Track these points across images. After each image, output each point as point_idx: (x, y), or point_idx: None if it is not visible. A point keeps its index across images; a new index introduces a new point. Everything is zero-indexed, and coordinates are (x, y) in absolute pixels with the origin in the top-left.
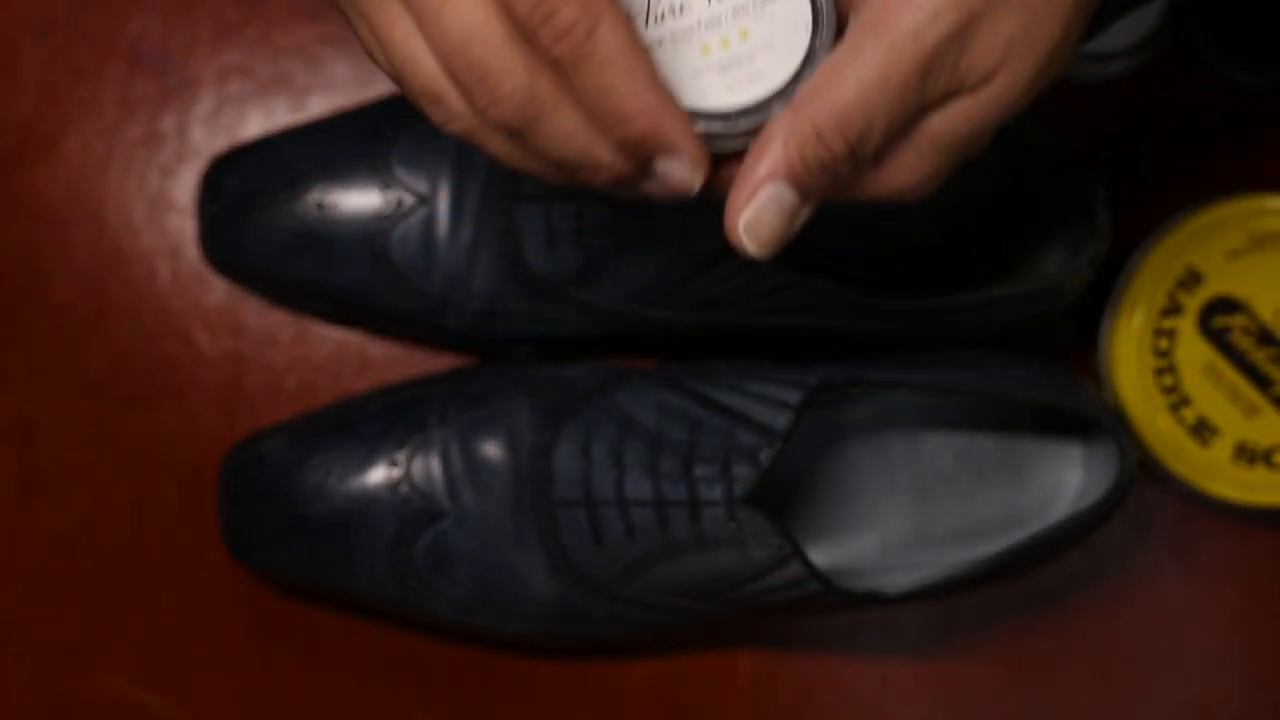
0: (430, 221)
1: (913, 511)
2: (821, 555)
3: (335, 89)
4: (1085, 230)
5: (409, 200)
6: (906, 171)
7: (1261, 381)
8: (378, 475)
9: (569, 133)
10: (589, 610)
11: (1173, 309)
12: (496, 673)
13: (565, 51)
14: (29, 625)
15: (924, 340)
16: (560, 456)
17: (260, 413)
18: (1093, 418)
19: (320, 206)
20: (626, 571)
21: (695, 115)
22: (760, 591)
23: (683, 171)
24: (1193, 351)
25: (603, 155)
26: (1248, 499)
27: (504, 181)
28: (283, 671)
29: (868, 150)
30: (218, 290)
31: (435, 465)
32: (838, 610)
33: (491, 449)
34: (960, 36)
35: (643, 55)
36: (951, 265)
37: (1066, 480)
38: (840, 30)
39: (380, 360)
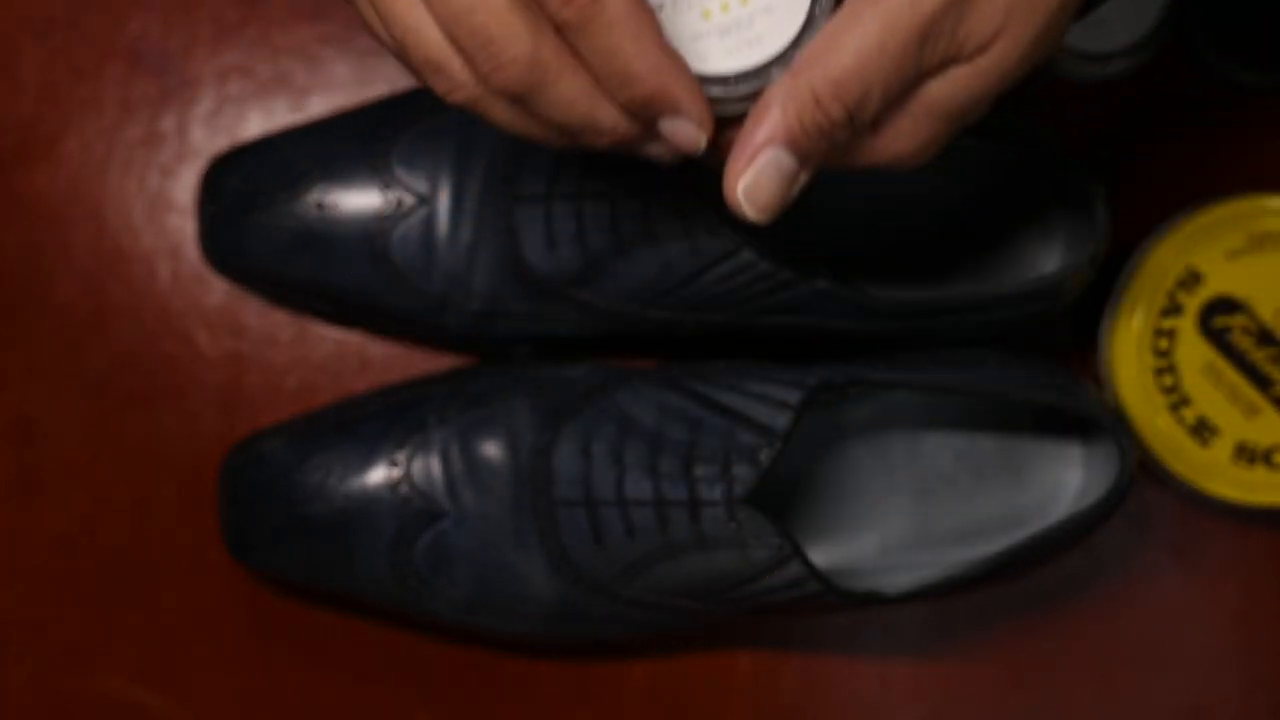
0: (430, 221)
1: (913, 512)
2: (821, 555)
3: (335, 89)
4: (1085, 230)
5: (409, 200)
6: (904, 138)
7: (1261, 381)
8: (378, 475)
9: (573, 97)
10: (589, 610)
11: (1173, 309)
12: (496, 673)
13: (572, 15)
14: (29, 625)
15: (924, 340)
16: (560, 456)
17: (260, 413)
18: (1093, 418)
19: (320, 206)
20: (626, 571)
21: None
22: (760, 591)
23: (690, 130)
24: (1193, 351)
25: (607, 119)
26: (1248, 499)
27: (504, 181)
28: (283, 671)
29: (865, 116)
30: (218, 290)
31: (435, 465)
32: (838, 610)
33: (491, 449)
34: (958, 4)
35: (648, 16)
36: (951, 265)
37: (1066, 480)
38: None
39: (380, 360)
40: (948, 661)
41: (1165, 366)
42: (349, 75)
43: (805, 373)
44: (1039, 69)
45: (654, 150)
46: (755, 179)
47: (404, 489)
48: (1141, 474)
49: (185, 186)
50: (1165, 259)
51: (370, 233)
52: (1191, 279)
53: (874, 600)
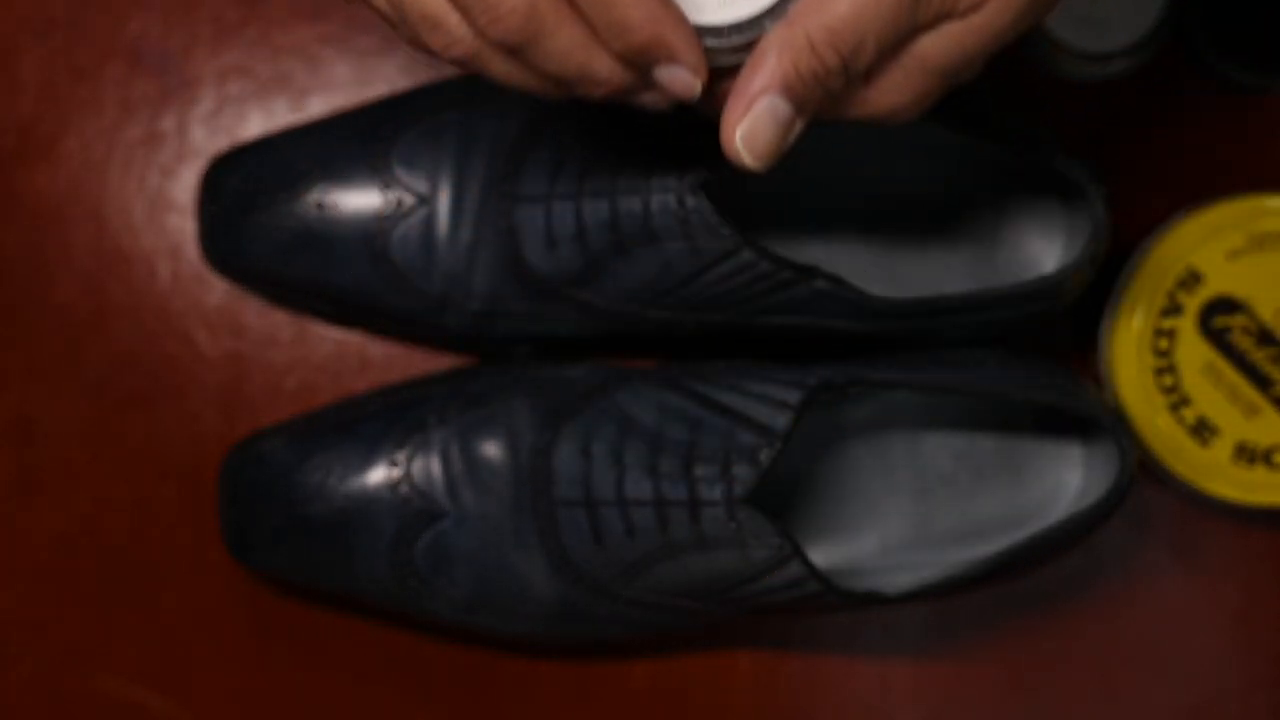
0: (430, 221)
1: (913, 512)
2: (821, 555)
3: (335, 89)
4: (1085, 230)
5: (409, 200)
6: (895, 92)
7: (1261, 381)
8: (378, 475)
9: (569, 48)
10: (589, 610)
11: (1173, 309)
12: (496, 673)
13: None
14: (29, 625)
15: (924, 340)
16: (560, 456)
17: (260, 413)
18: (1093, 418)
19: (320, 206)
20: (626, 571)
21: None
22: (760, 591)
23: (685, 77)
24: (1193, 351)
25: (603, 68)
26: (1248, 499)
27: (504, 181)
28: (283, 671)
29: (860, 65)
30: (218, 290)
31: (435, 465)
32: (838, 610)
33: (491, 449)
34: None
35: None
36: (951, 265)
37: (1066, 480)
38: None
39: (380, 360)
40: (948, 662)
41: (1165, 366)
42: (349, 75)
43: (805, 373)
44: (1042, 67)
45: (649, 99)
46: (752, 126)
47: (404, 489)
48: (1141, 474)
49: (185, 186)
50: (1165, 259)
51: (370, 233)
52: (1191, 279)
53: (874, 600)
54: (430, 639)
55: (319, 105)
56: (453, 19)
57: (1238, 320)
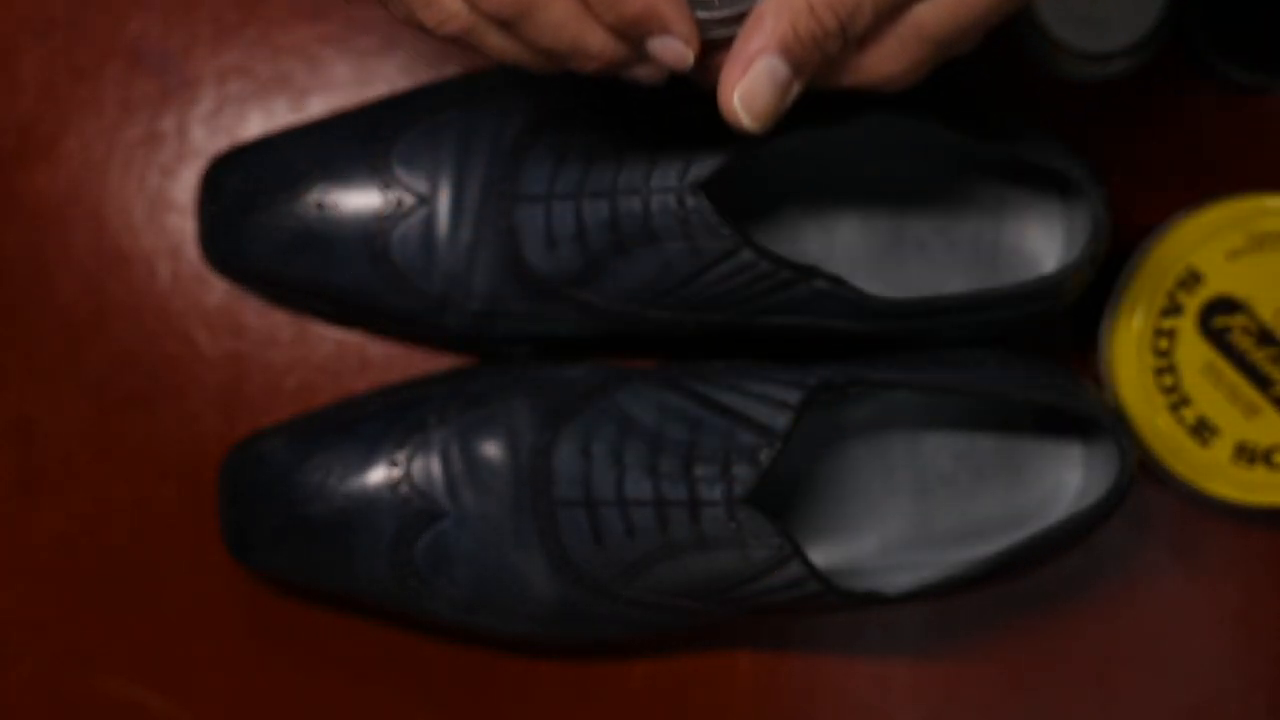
0: (430, 221)
1: (912, 512)
2: (821, 555)
3: (335, 89)
4: (1085, 230)
5: (409, 200)
6: (891, 59)
7: (1261, 381)
8: (378, 475)
9: (562, 21)
10: (589, 610)
11: (1173, 309)
12: (496, 673)
13: None
14: (29, 625)
15: (924, 340)
16: (560, 456)
17: (260, 413)
18: (1093, 418)
19: (320, 206)
20: (626, 572)
21: None
22: (760, 591)
23: (678, 48)
24: (1193, 351)
25: (596, 41)
26: (1248, 499)
27: (504, 181)
28: (283, 671)
29: (857, 29)
30: (218, 290)
31: (435, 465)
32: (837, 610)
33: (491, 449)
34: None
35: None
36: (951, 265)
37: (1066, 480)
38: None
39: (380, 360)
40: (947, 661)
41: (1165, 366)
42: (349, 75)
43: (805, 373)
44: (1042, 67)
45: (642, 72)
46: (750, 86)
47: (404, 489)
48: (1141, 474)
49: (185, 186)
50: (1165, 259)
51: (370, 233)
52: (1191, 279)
53: (874, 600)
54: (430, 639)
55: (319, 105)
56: None
57: (1238, 320)
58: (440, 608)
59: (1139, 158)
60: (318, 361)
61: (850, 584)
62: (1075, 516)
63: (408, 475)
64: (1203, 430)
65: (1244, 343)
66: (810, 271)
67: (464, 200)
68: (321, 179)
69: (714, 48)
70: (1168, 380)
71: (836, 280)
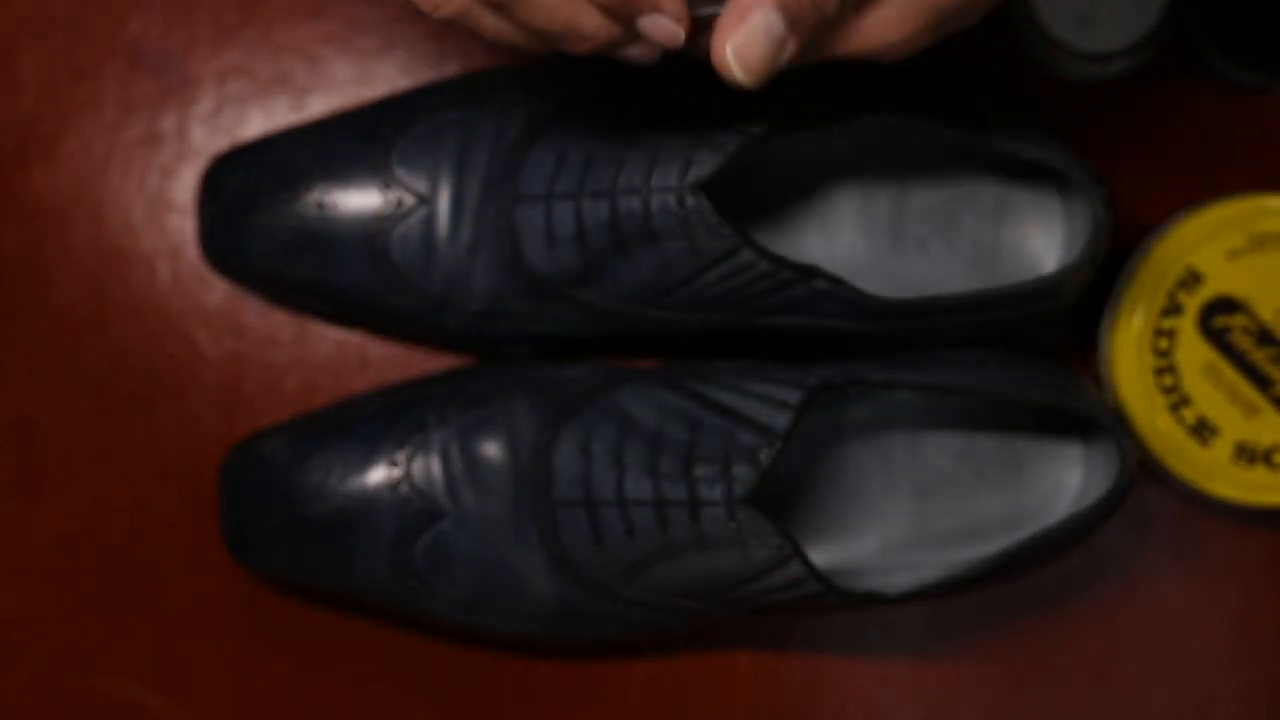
0: (430, 221)
1: (913, 512)
2: (821, 555)
3: (335, 88)
4: (1085, 230)
5: (409, 200)
6: (890, 26)
7: (1261, 381)
8: (378, 475)
9: (555, 3)
10: (589, 610)
11: (1173, 309)
12: (496, 673)
13: None
14: (29, 625)
15: (924, 340)
16: (560, 456)
17: (260, 413)
18: (1093, 418)
19: (320, 206)
20: (626, 572)
21: None
22: (760, 592)
23: (668, 25)
24: (1193, 351)
25: (588, 23)
26: (1248, 499)
27: (504, 181)
28: (283, 672)
29: None
30: (218, 290)
31: (435, 465)
32: (837, 610)
33: (491, 449)
34: None
35: None
36: (951, 265)
37: (1066, 480)
38: None
39: (380, 360)
40: (947, 662)
41: (1165, 366)
42: (349, 75)
43: (805, 373)
44: (1042, 67)
45: (635, 52)
46: (745, 39)
47: (404, 489)
48: (1141, 474)
49: (185, 186)
50: (1165, 259)
51: (370, 233)
52: (1191, 279)
53: (874, 600)
54: (430, 639)
55: (319, 105)
56: None
57: (1238, 320)
58: (440, 608)
59: (1139, 158)
60: (318, 361)
61: (850, 584)
62: (1075, 516)
63: (408, 475)
64: (1203, 430)
65: (1244, 343)
66: (810, 271)
67: (464, 200)
68: (322, 179)
69: (705, 26)
70: (1168, 380)
71: (836, 280)
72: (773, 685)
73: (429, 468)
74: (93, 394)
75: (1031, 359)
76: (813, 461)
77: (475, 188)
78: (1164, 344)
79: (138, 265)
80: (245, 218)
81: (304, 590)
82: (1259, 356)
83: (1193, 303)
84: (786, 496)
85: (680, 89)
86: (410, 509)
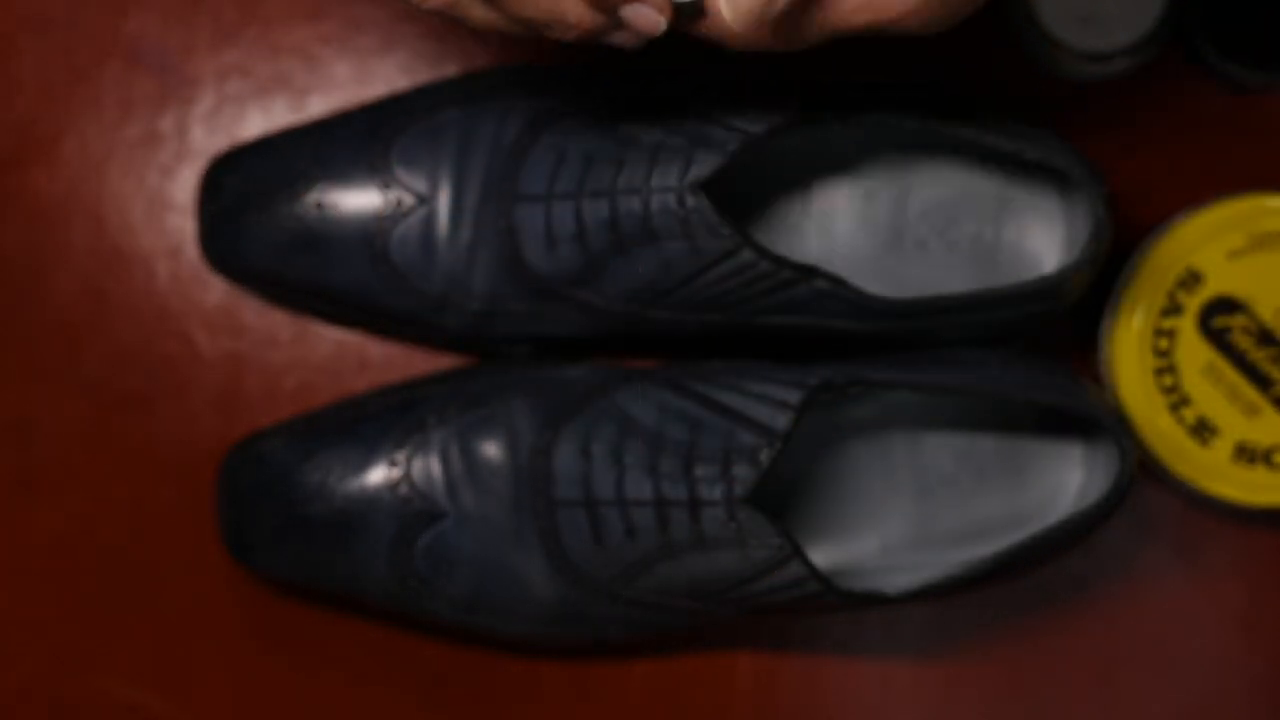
0: (430, 221)
1: (913, 512)
2: (822, 555)
3: (335, 88)
4: (1085, 230)
5: (408, 200)
6: None
7: (1262, 381)
8: (377, 475)
9: None
10: (589, 611)
11: (1173, 309)
12: (496, 673)
13: None
14: (27, 625)
15: (924, 340)
16: (560, 456)
17: (259, 413)
18: (1093, 418)
19: (320, 206)
20: (626, 572)
21: None
22: (760, 592)
23: (650, 14)
24: (1193, 351)
25: (573, 11)
26: (1248, 499)
27: (504, 181)
28: (282, 672)
29: None
30: (217, 290)
31: (435, 465)
32: (838, 610)
33: (491, 449)
34: None
35: None
36: (951, 265)
37: (1067, 480)
38: None
39: (380, 360)
40: (948, 662)
41: (1165, 366)
42: (348, 75)
43: (805, 373)
44: (1042, 66)
45: (619, 38)
46: None
47: (404, 489)
48: (1142, 474)
49: (184, 186)
50: (1165, 259)
51: (370, 233)
52: (1192, 279)
53: (874, 600)
54: (430, 639)
55: (318, 105)
56: None
57: (1238, 320)
58: (440, 608)
59: (1139, 157)
60: (317, 362)
61: (851, 584)
62: (1076, 517)
63: (407, 475)
64: (1203, 430)
65: (1244, 343)
66: (810, 271)
67: (464, 200)
68: (321, 179)
69: (688, 13)
70: (1168, 380)
71: (837, 280)
72: (773, 685)
73: (429, 468)
74: (91, 394)
75: (1032, 359)
76: (813, 462)
77: (475, 187)
78: (1164, 344)
79: (137, 265)
80: (244, 218)
81: (304, 590)
82: (1259, 356)
83: (1193, 303)
84: (787, 497)
85: (680, 89)
86: (410, 509)
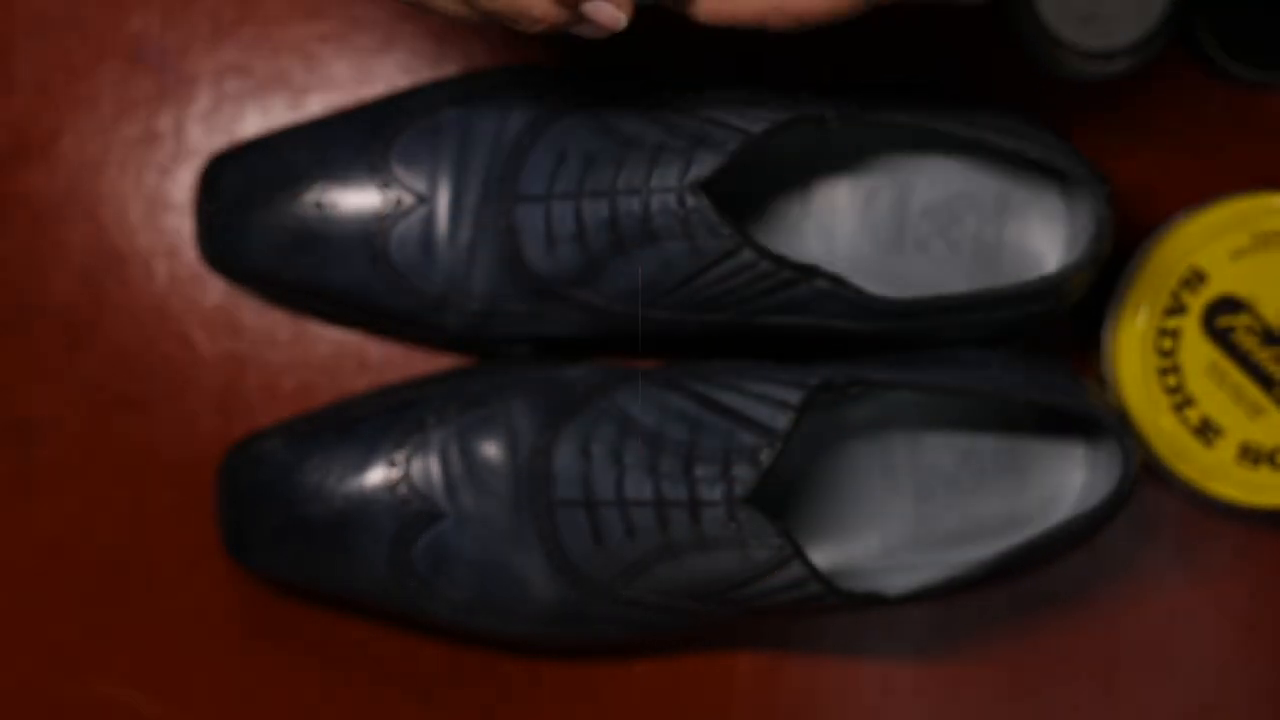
0: (429, 221)
1: (914, 512)
2: (822, 556)
3: (334, 87)
4: (1088, 229)
5: (408, 200)
6: None
7: (1266, 382)
8: (376, 476)
9: None
10: (589, 611)
11: (1176, 309)
12: (496, 674)
13: None
14: (25, 626)
15: (925, 340)
16: (560, 457)
17: (258, 413)
18: (1095, 418)
19: (319, 206)
20: (626, 572)
21: None
22: (761, 592)
23: (609, 10)
24: (1196, 351)
25: (537, 6)
26: (1252, 500)
27: (503, 181)
28: (281, 673)
29: None
30: (215, 290)
31: (434, 466)
32: (839, 611)
33: (491, 449)
34: None
35: None
36: (952, 264)
37: (1069, 481)
38: None
39: (379, 360)
40: (949, 663)
41: (1169, 366)
42: (347, 73)
43: (806, 373)
44: (1045, 65)
45: (584, 30)
46: None
47: (403, 489)
48: (1145, 475)
49: (183, 185)
50: (1169, 258)
51: (369, 232)
52: (1195, 278)
53: (875, 601)
54: (430, 640)
55: (317, 104)
56: None
57: (1242, 320)
58: (440, 609)
59: (1142, 156)
60: (316, 362)
61: (851, 585)
62: (1078, 518)
63: (406, 476)
64: (1207, 431)
65: (1248, 343)
66: (811, 271)
67: (463, 200)
68: (320, 178)
69: (645, 6)
70: (1171, 380)
71: (837, 280)
72: (773, 686)
73: (428, 468)
74: (90, 394)
75: (1033, 359)
76: (813, 462)
77: (475, 187)
78: (1168, 344)
79: (135, 265)
80: (243, 217)
81: (302, 591)
82: (1263, 356)
83: (1196, 302)
84: (787, 497)
85: (681, 89)
86: (409, 510)
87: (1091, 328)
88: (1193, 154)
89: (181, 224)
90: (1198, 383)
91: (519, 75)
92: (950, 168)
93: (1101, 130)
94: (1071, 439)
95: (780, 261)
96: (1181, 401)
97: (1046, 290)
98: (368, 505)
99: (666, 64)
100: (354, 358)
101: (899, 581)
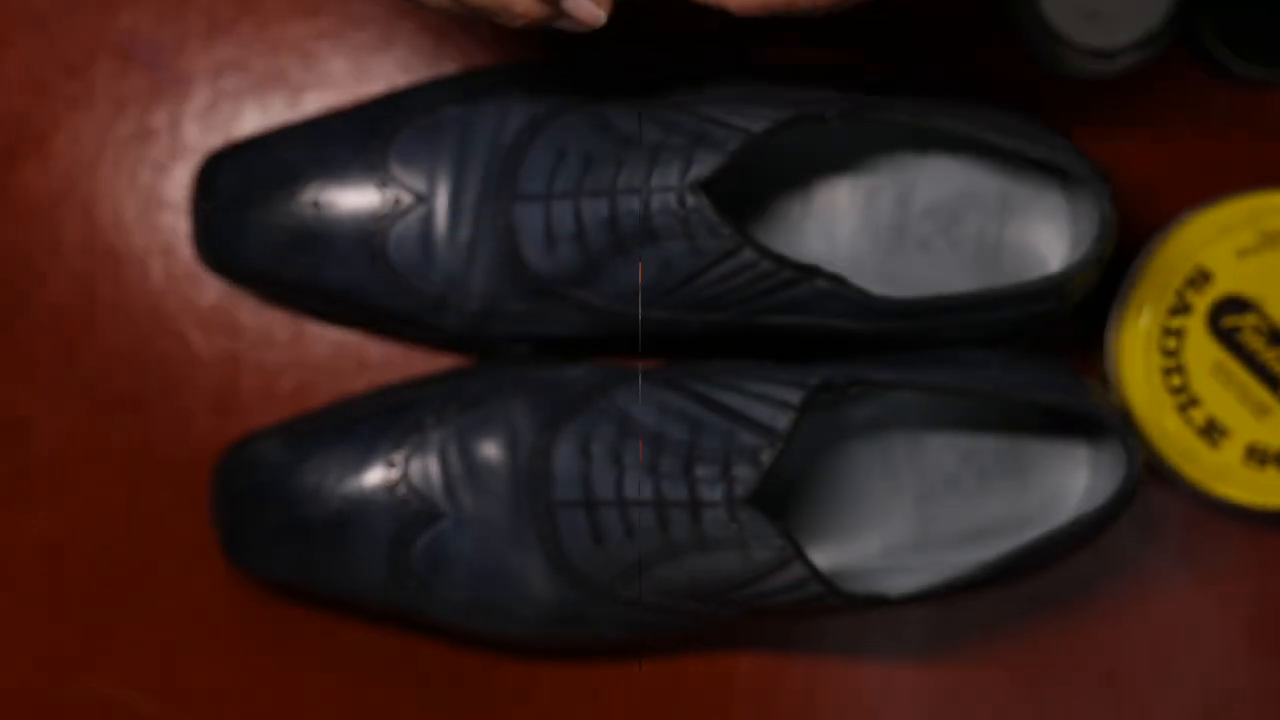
0: (428, 220)
1: (915, 513)
2: (823, 557)
3: (331, 85)
4: (1091, 228)
5: (407, 199)
6: None
7: (1272, 382)
8: (375, 476)
9: None
10: (588, 612)
11: (1181, 308)
12: (496, 674)
13: None
14: (22, 627)
15: (926, 340)
16: (559, 457)
17: (255, 414)
18: (1099, 419)
19: (316, 205)
20: (626, 573)
21: None
22: (762, 593)
23: (589, 7)
24: (1202, 351)
25: (518, 1)
26: (1258, 501)
27: (502, 180)
28: (279, 674)
29: None
30: (212, 289)
31: (433, 466)
32: (840, 612)
33: (490, 450)
34: None
35: None
36: (954, 264)
37: (1072, 482)
38: None
39: (378, 361)
40: (951, 665)
41: (1174, 366)
42: (345, 71)
43: (806, 373)
44: (1047, 63)
45: (564, 25)
46: None
47: (401, 490)
48: (1149, 476)
49: (178, 184)
50: (1174, 257)
51: (367, 232)
52: (1200, 278)
53: (876, 602)
54: (429, 640)
55: (315, 102)
56: None
57: (1248, 319)
58: (439, 609)
59: (1146, 155)
60: (314, 362)
61: (853, 586)
62: (1082, 519)
63: (405, 476)
64: (1212, 431)
65: (1254, 342)
66: (812, 271)
67: (462, 199)
68: (318, 177)
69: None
70: (1176, 380)
71: (838, 280)
72: (774, 687)
73: (427, 469)
74: (85, 394)
75: (1036, 359)
76: (814, 462)
77: (474, 186)
78: (1172, 343)
79: (130, 264)
80: (240, 216)
81: (300, 592)
82: (1270, 356)
83: (1202, 302)
84: (788, 497)
85: (681, 88)
86: (408, 510)
87: (1094, 327)
88: (1196, 152)
89: (177, 222)
90: (1203, 383)
91: (518, 73)
92: (952, 167)
93: (1104, 128)
94: (1074, 440)
95: (781, 261)
96: (1186, 402)
97: (1049, 290)
98: (366, 506)
99: (667, 62)
100: (352, 358)
101: (900, 582)
